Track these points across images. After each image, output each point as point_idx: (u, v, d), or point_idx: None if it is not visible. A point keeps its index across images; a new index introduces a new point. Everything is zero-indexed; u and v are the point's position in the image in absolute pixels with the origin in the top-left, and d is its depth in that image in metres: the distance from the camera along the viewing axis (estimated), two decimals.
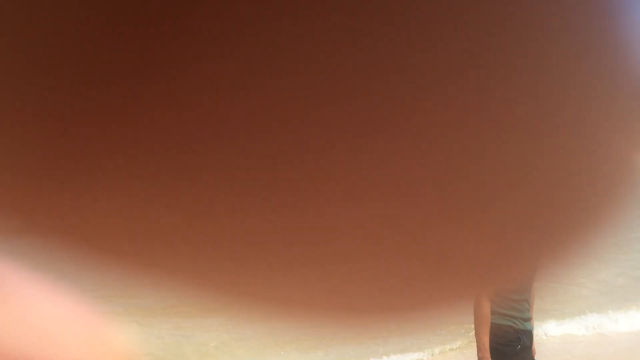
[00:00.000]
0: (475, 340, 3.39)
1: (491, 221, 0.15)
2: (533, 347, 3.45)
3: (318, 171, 0.14)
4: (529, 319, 3.43)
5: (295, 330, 0.17)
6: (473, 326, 3.38)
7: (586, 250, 0.16)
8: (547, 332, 6.68)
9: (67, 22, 0.13)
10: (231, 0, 0.13)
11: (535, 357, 3.48)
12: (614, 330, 7.01)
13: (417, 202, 0.14)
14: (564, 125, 0.14)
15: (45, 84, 0.13)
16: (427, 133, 0.14)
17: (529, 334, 3.43)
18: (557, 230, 0.15)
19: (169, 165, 0.14)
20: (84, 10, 0.13)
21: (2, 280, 0.20)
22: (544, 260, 0.16)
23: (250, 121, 0.13)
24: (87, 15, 0.13)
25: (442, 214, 0.15)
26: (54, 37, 0.13)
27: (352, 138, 0.14)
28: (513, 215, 0.15)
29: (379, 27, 0.13)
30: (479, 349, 3.35)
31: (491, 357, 3.32)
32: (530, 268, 0.16)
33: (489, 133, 0.14)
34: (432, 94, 0.13)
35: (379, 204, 0.14)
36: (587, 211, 0.15)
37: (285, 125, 0.13)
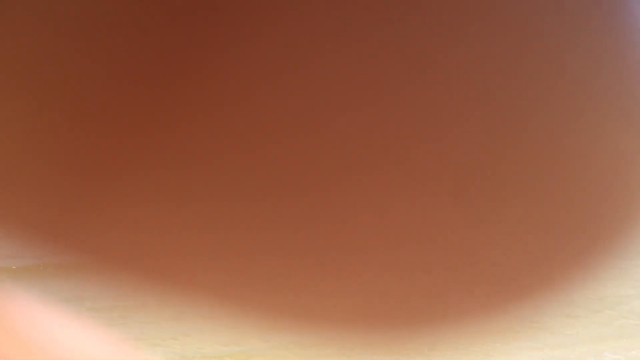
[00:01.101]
0: None
1: (516, 226, 0.15)
2: None
3: (330, 177, 0.14)
4: None
5: (314, 343, 0.16)
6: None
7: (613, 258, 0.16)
8: None
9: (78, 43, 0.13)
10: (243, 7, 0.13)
11: None
12: None
13: (436, 208, 0.14)
14: (585, 127, 0.14)
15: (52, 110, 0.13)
16: (443, 136, 0.14)
17: None
18: (584, 235, 0.15)
19: (183, 181, 0.14)
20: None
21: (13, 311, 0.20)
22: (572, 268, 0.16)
23: (259, 133, 0.13)
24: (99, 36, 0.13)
25: (463, 220, 0.14)
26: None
27: (365, 142, 0.14)
28: (537, 220, 0.15)
29: (391, 28, 0.13)
30: None
31: None
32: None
33: (507, 135, 0.14)
34: (447, 96, 0.13)
35: (396, 210, 0.14)
36: (615, 214, 0.15)
37: (291, 133, 0.13)
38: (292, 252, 0.14)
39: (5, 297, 0.19)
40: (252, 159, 0.14)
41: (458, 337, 0.16)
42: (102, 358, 0.21)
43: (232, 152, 0.14)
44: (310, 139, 0.14)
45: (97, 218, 0.14)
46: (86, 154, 0.14)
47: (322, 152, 0.14)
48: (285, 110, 0.13)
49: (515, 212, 0.15)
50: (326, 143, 0.14)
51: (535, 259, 0.15)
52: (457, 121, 0.14)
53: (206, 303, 0.15)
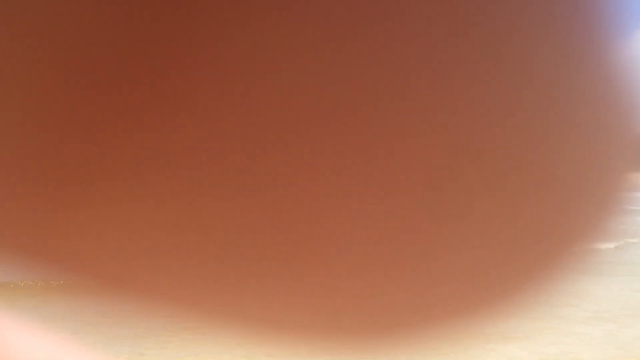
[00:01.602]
0: None
1: (503, 228, 0.15)
2: None
3: (309, 179, 0.14)
4: None
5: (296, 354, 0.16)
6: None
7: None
8: None
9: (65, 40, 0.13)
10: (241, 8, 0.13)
11: None
12: None
13: (416, 208, 0.14)
14: (560, 127, 0.14)
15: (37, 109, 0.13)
16: (431, 135, 0.14)
17: None
18: (569, 237, 0.15)
19: (169, 184, 0.14)
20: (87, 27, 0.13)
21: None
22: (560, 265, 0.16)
23: (249, 135, 0.13)
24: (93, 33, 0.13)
25: (444, 220, 0.14)
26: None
27: (352, 142, 0.14)
28: (527, 223, 0.15)
29: (381, 28, 0.13)
30: None
31: None
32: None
33: (496, 135, 0.14)
34: (427, 98, 0.13)
35: (377, 210, 0.14)
36: (590, 212, 0.15)
37: (269, 135, 0.13)
38: (274, 254, 0.14)
39: None
40: (234, 161, 0.14)
41: (442, 341, 0.16)
42: None
43: (216, 154, 0.14)
44: (290, 141, 0.13)
45: (77, 226, 0.14)
46: (68, 159, 0.14)
47: (302, 154, 0.14)
48: (261, 113, 0.13)
49: (496, 211, 0.15)
50: (305, 145, 0.13)
51: (521, 259, 0.16)
52: (439, 122, 0.14)
53: (192, 315, 0.15)
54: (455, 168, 0.14)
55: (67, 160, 0.14)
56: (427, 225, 0.15)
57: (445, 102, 0.14)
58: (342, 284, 0.15)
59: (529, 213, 0.15)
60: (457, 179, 0.14)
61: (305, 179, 0.14)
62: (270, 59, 0.13)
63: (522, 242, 0.15)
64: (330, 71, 0.13)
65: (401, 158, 0.14)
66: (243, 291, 0.15)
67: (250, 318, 0.15)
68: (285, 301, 0.15)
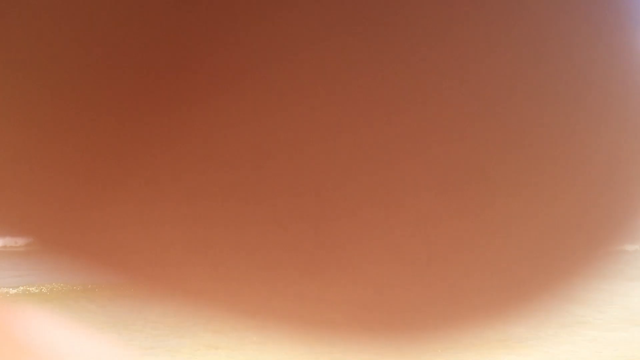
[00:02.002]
0: None
1: (519, 225, 0.15)
2: None
3: (330, 178, 0.14)
4: None
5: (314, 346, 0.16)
6: None
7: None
8: None
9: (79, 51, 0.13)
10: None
11: None
12: None
13: (436, 208, 0.14)
14: (583, 127, 0.14)
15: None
16: (458, 134, 0.14)
17: None
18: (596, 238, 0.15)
19: (190, 184, 0.14)
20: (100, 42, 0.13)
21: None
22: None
23: (261, 135, 0.13)
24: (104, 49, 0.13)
25: (463, 219, 0.14)
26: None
27: (363, 144, 0.14)
28: (551, 225, 0.15)
29: (408, 25, 0.13)
30: None
31: None
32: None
33: (505, 136, 0.14)
34: (446, 98, 0.13)
35: (397, 210, 0.14)
36: (613, 212, 0.15)
37: (290, 135, 0.13)
38: (293, 251, 0.14)
39: (27, 318, 0.19)
40: (252, 161, 0.14)
41: (458, 343, 0.16)
42: None
43: (233, 154, 0.14)
44: (307, 142, 0.13)
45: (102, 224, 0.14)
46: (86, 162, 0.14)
47: (320, 155, 0.14)
48: (285, 111, 0.13)
49: (520, 212, 0.15)
50: (328, 145, 0.14)
51: (545, 261, 0.15)
52: (458, 122, 0.14)
53: (208, 308, 0.15)
54: (480, 167, 0.14)
55: (100, 162, 0.14)
56: (449, 223, 0.14)
57: (471, 101, 0.13)
58: (364, 281, 0.15)
59: (553, 213, 0.15)
60: (481, 179, 0.14)
61: (330, 178, 0.14)
62: (290, 59, 0.13)
63: (546, 243, 0.15)
64: (355, 72, 0.13)
65: (425, 156, 0.14)
66: (270, 287, 0.15)
67: (274, 313, 0.15)
68: (309, 297, 0.15)
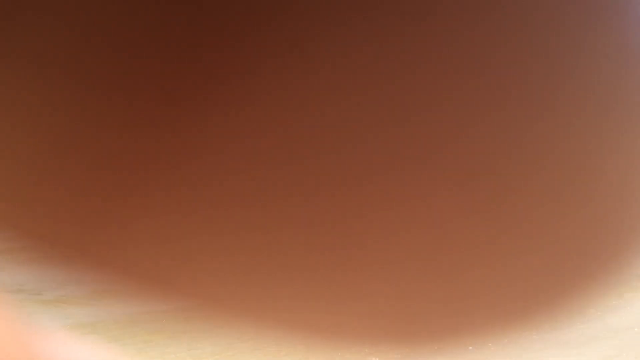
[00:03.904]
0: None
1: (550, 234, 0.15)
2: None
3: (341, 180, 0.14)
4: None
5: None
6: None
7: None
8: None
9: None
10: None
11: None
12: None
13: (448, 211, 0.14)
14: (594, 128, 0.14)
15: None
16: (456, 138, 0.14)
17: None
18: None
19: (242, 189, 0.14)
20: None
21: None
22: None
23: (270, 138, 0.13)
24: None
25: (476, 221, 0.14)
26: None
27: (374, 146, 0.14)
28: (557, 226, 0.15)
29: (435, 25, 0.13)
30: None
31: None
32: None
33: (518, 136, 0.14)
34: (457, 99, 0.13)
35: (410, 212, 0.14)
36: (627, 215, 0.15)
37: (303, 136, 0.13)
38: (303, 254, 0.14)
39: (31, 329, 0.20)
40: (263, 164, 0.14)
41: (485, 347, 0.16)
42: None
43: (244, 156, 0.14)
44: (344, 147, 0.14)
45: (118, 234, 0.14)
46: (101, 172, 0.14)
47: (331, 157, 0.14)
48: (297, 114, 0.13)
49: (544, 218, 0.15)
50: (355, 148, 0.14)
51: (569, 265, 0.15)
52: (469, 124, 0.14)
53: (222, 316, 0.15)
54: (505, 173, 0.14)
55: (139, 167, 0.14)
56: (472, 229, 0.14)
57: (482, 101, 0.13)
58: (386, 287, 0.15)
59: (578, 218, 0.15)
60: (506, 185, 0.14)
61: (344, 181, 0.14)
62: (299, 62, 0.13)
63: (570, 247, 0.15)
64: (367, 74, 0.13)
65: (450, 160, 0.14)
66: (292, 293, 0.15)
67: (289, 319, 0.15)
68: (333, 304, 0.15)
